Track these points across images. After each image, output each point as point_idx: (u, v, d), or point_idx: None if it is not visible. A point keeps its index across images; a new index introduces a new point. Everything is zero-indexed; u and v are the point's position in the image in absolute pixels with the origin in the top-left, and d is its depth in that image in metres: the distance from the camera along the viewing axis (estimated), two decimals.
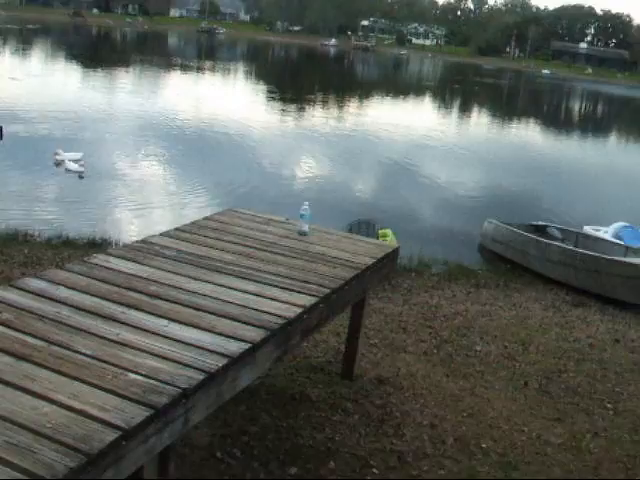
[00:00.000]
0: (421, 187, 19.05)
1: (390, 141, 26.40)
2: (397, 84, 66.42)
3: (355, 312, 5.79)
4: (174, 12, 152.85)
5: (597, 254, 11.00)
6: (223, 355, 3.50)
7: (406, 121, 32.85)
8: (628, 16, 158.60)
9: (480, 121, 41.44)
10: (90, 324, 3.72)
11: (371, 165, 21.57)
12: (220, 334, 3.74)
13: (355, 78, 70.43)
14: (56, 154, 16.28)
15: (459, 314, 8.57)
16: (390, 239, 10.79)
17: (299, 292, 4.47)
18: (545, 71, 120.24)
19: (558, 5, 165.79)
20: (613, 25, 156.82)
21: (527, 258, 11.87)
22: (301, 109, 34.27)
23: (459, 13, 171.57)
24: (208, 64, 61.80)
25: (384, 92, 51.98)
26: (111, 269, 4.56)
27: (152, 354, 3.45)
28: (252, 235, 5.65)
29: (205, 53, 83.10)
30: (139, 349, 3.49)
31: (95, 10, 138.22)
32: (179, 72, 49.84)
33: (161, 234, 5.44)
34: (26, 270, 8.43)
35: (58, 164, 16.05)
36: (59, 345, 3.46)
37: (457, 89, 66.56)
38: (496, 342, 7.69)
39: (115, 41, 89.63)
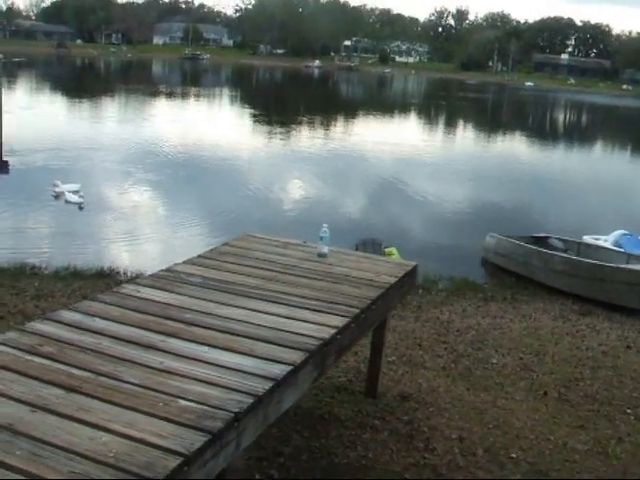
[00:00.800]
0: (418, 204, 19.17)
1: (382, 160, 26.56)
2: (383, 102, 66.79)
3: (377, 331, 5.86)
4: (157, 40, 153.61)
5: (601, 262, 11.13)
6: (267, 378, 3.57)
7: (395, 139, 33.03)
8: (607, 26, 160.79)
9: (467, 136, 41.74)
10: (133, 354, 3.78)
11: (366, 184, 21.69)
12: (260, 357, 3.81)
13: (340, 98, 70.87)
14: (55, 186, 16.31)
15: (471, 328, 8.66)
16: (396, 257, 10.88)
17: (329, 313, 4.55)
18: (528, 83, 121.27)
19: (538, 18, 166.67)
20: (593, 35, 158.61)
21: (531, 270, 11.97)
22: (289, 131, 34.44)
23: (440, 29, 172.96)
24: (194, 90, 62.15)
25: (371, 111, 52.31)
26: (142, 298, 4.63)
27: (198, 380, 3.51)
28: (273, 259, 5.74)
29: (190, 79, 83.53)
30: (185, 376, 3.55)
31: (79, 41, 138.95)
32: (166, 100, 50.08)
33: (184, 262, 5.51)
34: (39, 303, 8.49)
35: (57, 196, 16.08)
36: (106, 376, 3.51)
37: (442, 105, 67.08)
38: (511, 354, 7.78)
39: (100, 71, 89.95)
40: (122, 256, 12.18)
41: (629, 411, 6.43)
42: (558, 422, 6.05)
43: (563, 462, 5.31)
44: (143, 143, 25.61)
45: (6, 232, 13.19)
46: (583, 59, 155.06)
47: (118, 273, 10.50)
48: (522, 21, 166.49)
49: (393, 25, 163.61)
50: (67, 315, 4.29)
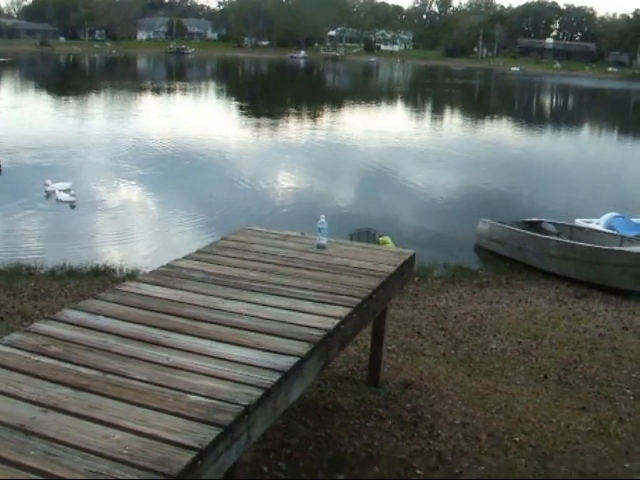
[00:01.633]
0: (409, 192, 19.20)
1: (371, 149, 26.58)
2: (369, 91, 66.75)
3: (377, 320, 5.89)
4: (141, 35, 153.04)
5: (595, 245, 11.19)
6: (274, 370, 3.59)
7: (383, 128, 33.06)
8: (591, 9, 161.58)
9: (455, 122, 41.76)
10: (138, 351, 3.79)
11: (357, 174, 21.71)
12: (266, 350, 3.83)
13: (327, 88, 70.80)
14: (45, 185, 16.28)
15: (469, 314, 8.71)
16: (391, 246, 10.90)
17: (331, 304, 4.57)
18: (514, 68, 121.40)
19: (522, 3, 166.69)
20: (577, 19, 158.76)
21: (525, 254, 12.03)
22: (278, 123, 34.42)
23: (425, 17, 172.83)
24: (180, 85, 62.00)
25: (358, 100, 52.31)
26: (144, 295, 4.64)
27: (205, 375, 3.53)
28: (272, 252, 5.75)
29: (176, 74, 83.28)
30: (192, 371, 3.56)
31: (62, 38, 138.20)
32: (153, 95, 49.94)
33: (184, 257, 5.53)
34: (37, 303, 8.49)
35: (48, 195, 16.05)
36: (114, 373, 3.52)
37: (429, 92, 67.09)
38: (509, 339, 7.83)
39: (85, 68, 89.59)
40: (116, 253, 12.16)
41: (628, 391, 6.49)
42: (559, 405, 6.11)
43: (566, 444, 5.35)
44: (132, 139, 25.56)
45: (0, 233, 13.16)
46: (568, 43, 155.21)
47: (114, 271, 10.51)
48: (506, 6, 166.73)
49: (377, 14, 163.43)
50: (71, 314, 4.30)
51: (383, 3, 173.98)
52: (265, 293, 4.76)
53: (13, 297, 8.72)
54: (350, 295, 4.75)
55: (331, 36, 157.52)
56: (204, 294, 4.69)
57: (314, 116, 39.73)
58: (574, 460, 5.12)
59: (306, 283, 4.99)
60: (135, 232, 13.94)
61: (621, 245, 11.70)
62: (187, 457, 2.82)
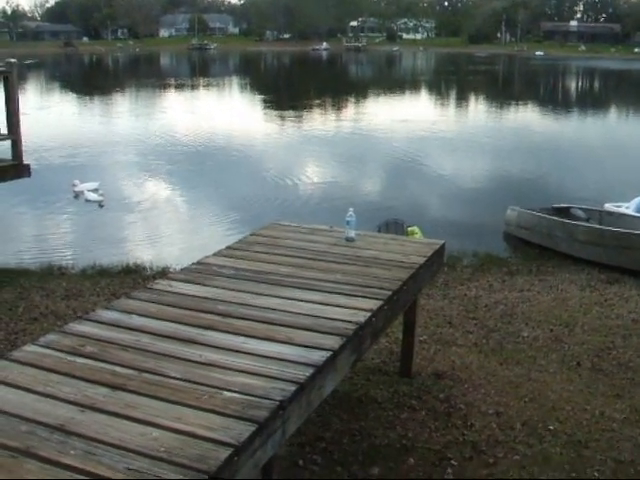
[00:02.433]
0: (436, 181, 19.13)
1: (397, 138, 26.45)
2: (393, 81, 66.45)
3: (408, 311, 5.89)
4: (163, 32, 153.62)
5: (626, 230, 11.08)
6: (308, 365, 3.62)
7: (409, 116, 32.86)
8: None
9: (480, 109, 41.49)
10: (172, 349, 3.83)
11: (383, 164, 21.66)
12: (299, 345, 3.86)
13: (350, 79, 70.61)
14: (74, 185, 16.42)
15: (500, 303, 8.68)
16: (419, 237, 10.89)
17: (363, 297, 4.59)
18: (538, 53, 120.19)
19: None
20: (601, 0, 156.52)
21: (555, 241, 11.95)
22: (303, 115, 34.39)
23: (446, 4, 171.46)
24: (204, 81, 62.19)
25: (382, 90, 52.09)
26: (176, 293, 4.69)
27: (239, 371, 3.56)
28: (302, 246, 5.78)
29: (199, 70, 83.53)
30: (226, 367, 3.60)
31: (85, 38, 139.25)
32: (177, 92, 50.13)
33: (214, 254, 5.57)
34: (69, 303, 8.60)
35: (76, 195, 16.19)
36: (149, 372, 3.57)
37: (453, 80, 66.68)
38: (541, 326, 7.79)
39: (109, 67, 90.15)
40: (146, 252, 12.25)
41: None
42: (593, 392, 6.08)
43: (601, 432, 5.33)
44: (158, 137, 25.70)
45: (31, 234, 13.36)
46: (593, 24, 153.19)
47: (144, 269, 10.59)
48: None
49: (398, 2, 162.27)
50: (105, 314, 4.35)
51: None
52: (296, 288, 4.79)
53: (46, 297, 8.83)
54: (380, 287, 4.77)
55: (353, 27, 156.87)
56: (235, 290, 4.73)
57: (339, 107, 39.69)
58: (610, 448, 5.09)
59: (336, 277, 5.01)
60: (164, 230, 14.04)
61: None
62: (224, 453, 2.85)
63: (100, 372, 3.57)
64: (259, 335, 4.00)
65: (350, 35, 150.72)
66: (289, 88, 54.50)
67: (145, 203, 16.09)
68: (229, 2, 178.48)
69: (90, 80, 63.24)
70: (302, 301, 4.53)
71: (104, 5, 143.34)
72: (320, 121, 32.08)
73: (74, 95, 46.87)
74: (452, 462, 4.76)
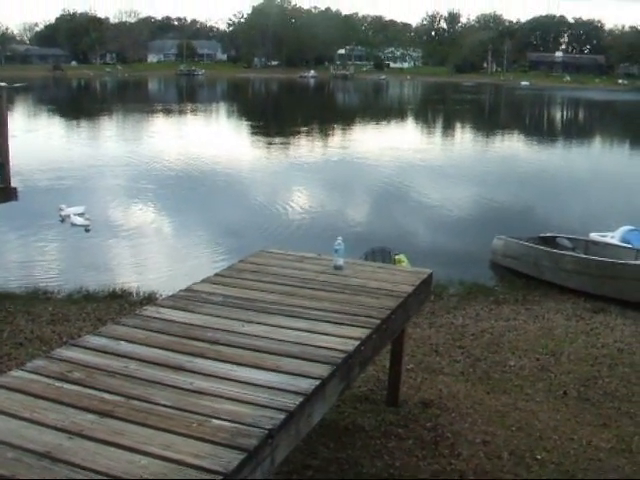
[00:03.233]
0: (423, 209, 19.24)
1: (383, 166, 26.55)
2: (380, 109, 66.86)
3: (396, 339, 5.90)
4: (152, 57, 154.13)
5: (611, 260, 11.16)
6: (297, 393, 3.61)
7: (395, 145, 33.07)
8: (599, 21, 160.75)
9: (467, 138, 41.79)
10: (161, 376, 3.81)
11: (369, 192, 21.75)
12: (288, 373, 3.85)
13: (338, 107, 71.01)
14: (60, 209, 16.38)
15: (486, 332, 8.70)
16: (405, 265, 10.92)
17: (351, 325, 4.60)
18: (524, 83, 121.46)
19: (530, 17, 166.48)
20: (586, 31, 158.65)
21: (541, 270, 12.01)
22: (290, 143, 34.54)
23: (433, 33, 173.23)
24: (192, 106, 62.33)
25: (369, 118, 52.43)
26: (165, 320, 4.67)
27: (229, 399, 3.55)
28: (290, 274, 5.79)
29: (187, 96, 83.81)
30: (215, 395, 3.59)
31: (73, 62, 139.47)
32: (164, 117, 50.23)
33: (203, 281, 5.57)
34: (55, 328, 8.54)
35: (63, 219, 16.15)
36: (137, 399, 3.55)
37: (440, 109, 67.18)
38: (528, 355, 7.81)
39: (97, 91, 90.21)
40: (133, 277, 12.21)
41: None
42: (580, 421, 6.09)
43: (588, 461, 5.34)
44: (146, 162, 25.71)
45: (16, 258, 13.30)
46: (577, 56, 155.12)
47: (131, 294, 10.55)
48: (514, 21, 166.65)
49: (386, 32, 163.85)
50: (93, 340, 4.33)
51: (392, 21, 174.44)
52: (284, 315, 4.79)
53: (32, 322, 8.77)
54: (369, 316, 4.78)
55: (340, 55, 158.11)
56: (224, 318, 4.72)
57: (326, 135, 39.87)
58: (597, 477, 5.10)
59: (324, 305, 5.02)
60: (151, 255, 14.02)
61: (637, 259, 11.65)
62: None
63: (88, 398, 3.54)
64: (248, 363, 3.98)
65: (338, 63, 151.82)
66: (277, 115, 54.74)
67: (132, 228, 16.06)
68: (218, 29, 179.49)
69: (78, 104, 63.31)
70: (290, 329, 4.53)
71: (93, 30, 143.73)
72: (308, 148, 32.21)
73: (61, 119, 46.89)
74: None
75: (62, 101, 66.58)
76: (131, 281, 11.62)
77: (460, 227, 17.03)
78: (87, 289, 10.75)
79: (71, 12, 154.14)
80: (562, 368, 7.43)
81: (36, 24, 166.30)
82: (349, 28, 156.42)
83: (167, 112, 54.03)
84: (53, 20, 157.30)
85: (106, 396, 3.57)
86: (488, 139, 40.51)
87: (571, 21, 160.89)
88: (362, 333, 4.46)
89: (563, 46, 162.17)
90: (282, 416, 3.37)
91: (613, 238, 13.30)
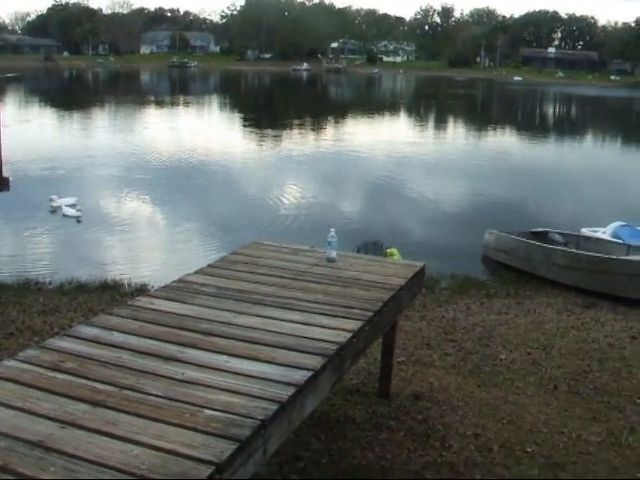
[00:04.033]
0: (415, 203, 19.25)
1: (376, 160, 26.62)
2: (373, 103, 66.83)
3: (388, 332, 5.91)
4: (144, 49, 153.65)
5: (602, 255, 11.21)
6: (289, 384, 3.61)
7: (388, 139, 33.13)
8: (593, 18, 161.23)
9: (459, 132, 41.87)
10: (153, 366, 3.82)
11: (362, 185, 21.77)
12: (281, 364, 3.86)
13: (330, 100, 70.95)
14: (51, 200, 16.32)
15: (477, 325, 8.73)
16: (397, 258, 10.93)
17: (344, 317, 4.61)
18: (517, 78, 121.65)
19: (523, 12, 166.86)
20: (579, 27, 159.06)
21: (532, 265, 12.05)
22: (283, 135, 34.55)
23: (427, 28, 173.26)
24: (184, 99, 62.17)
25: (361, 112, 52.41)
26: (158, 310, 4.67)
27: (221, 389, 3.55)
28: (283, 266, 5.79)
29: (179, 88, 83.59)
30: (208, 385, 3.59)
31: (65, 53, 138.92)
32: (156, 109, 50.07)
33: (196, 272, 5.56)
34: (46, 318, 8.53)
35: (54, 210, 16.09)
36: (130, 389, 3.55)
37: (432, 103, 67.22)
38: (519, 349, 7.85)
39: (89, 82, 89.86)
40: (124, 268, 12.18)
41: (639, 401, 6.50)
42: (570, 415, 6.12)
43: (578, 454, 5.37)
44: (138, 153, 25.64)
45: (7, 249, 13.24)
46: (570, 52, 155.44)
47: (122, 285, 10.54)
48: (508, 16, 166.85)
49: (379, 25, 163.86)
50: (85, 330, 4.33)
51: (385, 14, 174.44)
52: (278, 307, 4.79)
53: (23, 312, 8.75)
54: (361, 308, 4.79)
55: (333, 48, 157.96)
56: (217, 309, 4.72)
57: (319, 128, 39.85)
58: (586, 470, 5.13)
59: (318, 297, 5.02)
60: (143, 246, 14.00)
61: (627, 254, 11.71)
62: (205, 471, 2.84)
63: (80, 388, 3.54)
64: (241, 354, 3.99)
65: (330, 56, 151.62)
66: (269, 108, 54.68)
67: (124, 219, 16.03)
68: (211, 20, 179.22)
69: (70, 95, 63.10)
70: (283, 320, 4.54)
71: (85, 20, 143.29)
72: (300, 141, 32.19)
73: (53, 109, 46.70)
74: None
75: (54, 92, 66.28)
76: (123, 272, 11.60)
77: (452, 221, 17.07)
78: (78, 280, 10.71)
79: (63, 2, 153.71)
80: (553, 362, 7.46)
81: (28, 14, 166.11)
82: (342, 21, 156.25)
83: (159, 104, 53.90)
84: (45, 10, 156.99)
85: (98, 386, 3.57)
86: (481, 134, 40.58)
87: (564, 17, 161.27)
88: (355, 325, 4.47)
89: (556, 42, 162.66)
90: (275, 407, 3.38)
91: (604, 233, 13.36)
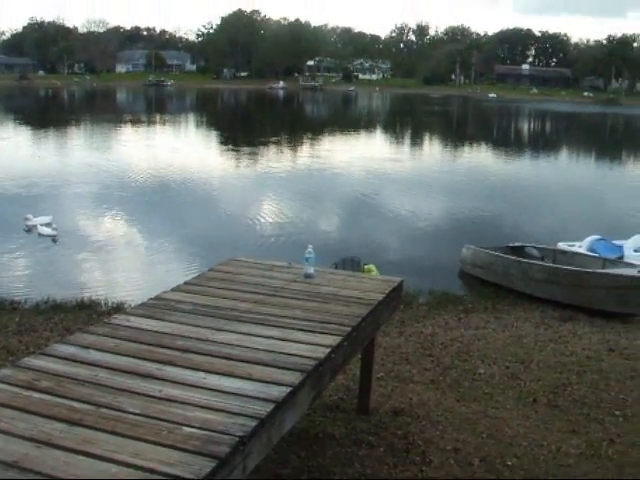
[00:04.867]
0: (392, 219, 19.31)
1: (353, 177, 26.70)
2: (349, 121, 67.06)
3: (366, 348, 5.89)
4: (120, 68, 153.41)
5: (579, 269, 11.29)
6: (268, 400, 3.58)
7: (364, 156, 33.24)
8: (565, 35, 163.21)
9: (435, 149, 42.14)
10: (130, 383, 3.77)
11: (339, 203, 21.82)
12: (259, 380, 3.82)
13: (307, 118, 71.14)
14: (26, 219, 16.20)
15: (456, 340, 8.73)
16: (375, 274, 10.93)
17: (322, 333, 4.58)
18: (491, 95, 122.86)
19: (497, 30, 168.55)
20: (552, 45, 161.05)
21: (510, 279, 12.11)
22: (259, 153, 34.53)
23: (402, 45, 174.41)
24: (160, 117, 62.11)
25: (338, 129, 52.58)
26: (134, 328, 4.62)
27: (199, 406, 3.52)
28: (260, 282, 5.76)
29: (156, 106, 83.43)
30: (185, 403, 3.55)
31: (41, 72, 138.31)
32: (132, 127, 49.89)
33: (172, 289, 5.52)
34: (22, 338, 8.43)
35: (29, 229, 15.97)
36: (107, 407, 3.50)
37: (408, 120, 67.63)
38: (497, 363, 7.85)
39: (64, 101, 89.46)
40: (101, 287, 12.10)
41: (617, 413, 6.52)
42: (550, 428, 6.12)
43: (558, 467, 5.37)
44: (114, 172, 25.53)
45: None
46: (544, 69, 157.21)
47: (99, 304, 10.47)
48: (482, 34, 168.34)
49: (355, 43, 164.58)
50: (61, 348, 4.28)
51: (360, 33, 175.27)
52: (255, 323, 4.76)
53: None
54: (340, 324, 4.77)
55: (309, 66, 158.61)
56: (194, 326, 4.68)
57: (296, 146, 39.93)
58: None
59: (295, 313, 5.00)
60: (119, 265, 13.91)
61: (603, 267, 11.81)
62: None
63: (56, 407, 3.49)
64: (218, 370, 3.96)
65: (307, 74, 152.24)
66: (246, 126, 54.66)
67: (100, 238, 15.94)
68: (187, 39, 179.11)
69: (45, 114, 62.77)
70: (261, 337, 4.51)
71: (61, 39, 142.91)
72: (277, 159, 32.24)
73: (28, 128, 46.43)
74: None
75: (29, 110, 65.96)
76: (99, 291, 11.53)
77: (429, 237, 17.14)
78: (54, 300, 10.63)
79: (39, 21, 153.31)
80: (531, 376, 7.47)
81: (3, 32, 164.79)
82: (318, 40, 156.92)
83: (136, 122, 53.70)
84: (20, 29, 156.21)
85: (75, 404, 3.52)
86: (457, 150, 40.85)
87: (538, 35, 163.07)
88: (333, 340, 4.45)
89: (530, 59, 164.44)
90: (253, 423, 3.35)
91: (580, 247, 13.49)
